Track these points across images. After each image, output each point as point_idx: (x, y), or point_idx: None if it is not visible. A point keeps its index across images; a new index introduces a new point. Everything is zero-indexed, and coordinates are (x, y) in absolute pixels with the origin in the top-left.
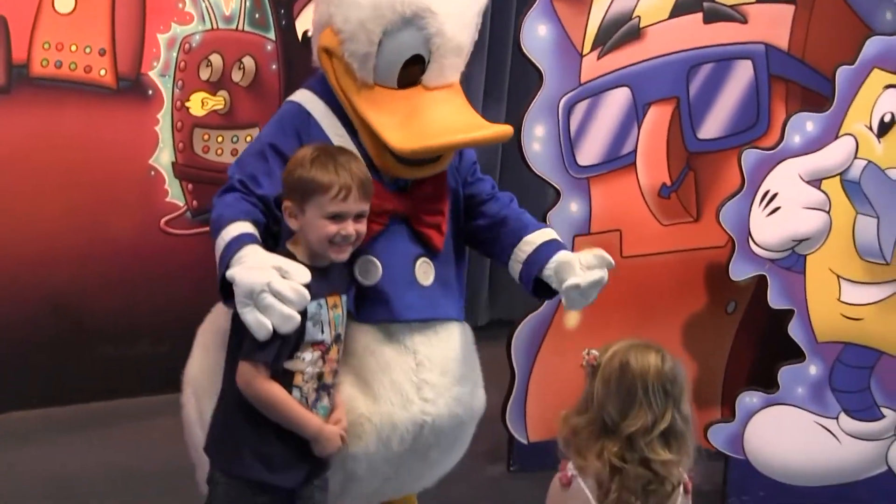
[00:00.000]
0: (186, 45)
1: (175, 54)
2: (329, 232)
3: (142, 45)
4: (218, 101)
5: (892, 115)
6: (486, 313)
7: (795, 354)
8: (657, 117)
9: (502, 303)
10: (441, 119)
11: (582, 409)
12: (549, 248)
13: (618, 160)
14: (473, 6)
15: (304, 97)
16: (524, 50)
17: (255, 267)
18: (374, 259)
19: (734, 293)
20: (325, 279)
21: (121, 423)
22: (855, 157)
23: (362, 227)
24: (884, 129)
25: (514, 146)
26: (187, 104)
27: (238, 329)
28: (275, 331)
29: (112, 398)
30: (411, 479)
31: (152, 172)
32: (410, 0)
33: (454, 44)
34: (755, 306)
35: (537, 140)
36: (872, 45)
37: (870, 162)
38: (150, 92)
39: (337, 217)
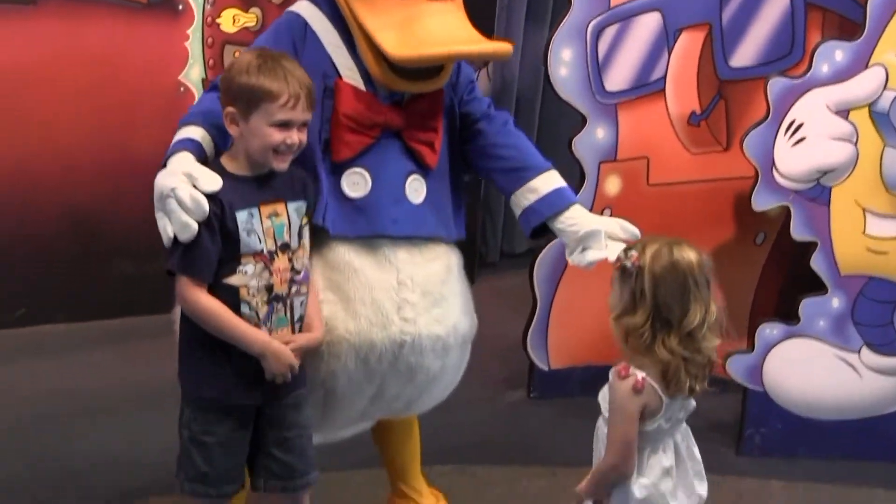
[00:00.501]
0: None
1: None
2: (275, 140)
3: None
4: (250, 18)
5: None
6: (521, 242)
7: (822, 287)
8: (688, 43)
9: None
10: (439, 29)
11: (630, 309)
12: (555, 198)
13: (647, 86)
14: None
15: (304, 7)
16: None
17: (170, 172)
18: (364, 172)
19: (763, 224)
20: (261, 188)
21: (140, 339)
22: (885, 88)
23: (304, 135)
24: None
25: (533, 73)
26: (218, 20)
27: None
28: (197, 243)
29: (132, 314)
30: (401, 402)
31: (182, 89)
32: None
33: None
34: (784, 238)
35: (564, 64)
36: None
37: None
38: (181, 7)
39: (283, 125)
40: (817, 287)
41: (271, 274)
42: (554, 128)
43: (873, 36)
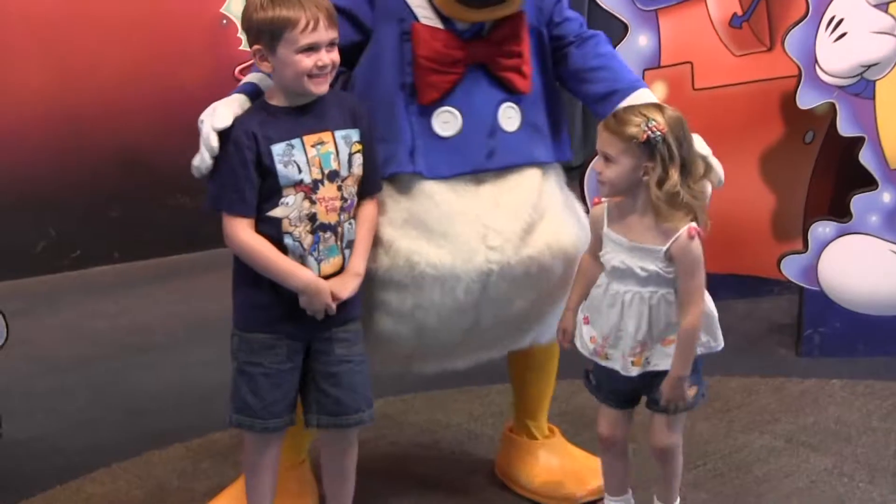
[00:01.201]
0: None
1: None
2: (306, 66)
3: None
4: None
5: None
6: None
7: (874, 183)
8: None
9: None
10: None
11: (664, 175)
12: None
13: None
14: None
15: None
16: None
17: (209, 109)
18: (454, 110)
19: (812, 123)
20: (304, 118)
21: (198, 274)
22: None
23: (335, 55)
24: None
25: None
26: None
27: None
28: (228, 179)
29: (190, 251)
30: (505, 331)
31: (224, 21)
32: None
33: None
34: (833, 135)
35: None
36: None
37: None
38: None
39: (310, 49)
40: (869, 183)
41: (313, 203)
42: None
43: None
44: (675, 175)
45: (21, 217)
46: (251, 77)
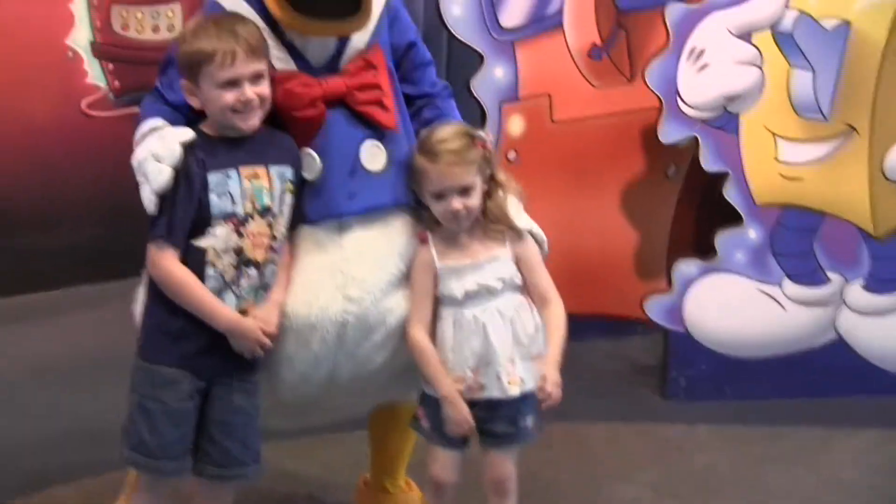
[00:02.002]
0: None
1: None
2: (227, 101)
3: None
4: None
5: None
6: None
7: (739, 219)
8: None
9: None
10: None
11: (492, 185)
12: None
13: (544, 21)
14: None
15: None
16: None
17: (143, 145)
18: (311, 151)
19: (674, 157)
20: (238, 150)
21: (41, 316)
22: (787, 8)
23: (263, 88)
24: None
25: (434, 10)
26: None
27: None
28: (164, 204)
29: (40, 290)
30: (364, 387)
31: (70, 53)
32: None
33: None
34: (696, 170)
35: (457, 3)
36: None
37: (802, 12)
38: None
39: (230, 84)
40: (734, 219)
41: (241, 237)
42: (463, 70)
43: None
44: (498, 178)
45: None
46: (154, 123)
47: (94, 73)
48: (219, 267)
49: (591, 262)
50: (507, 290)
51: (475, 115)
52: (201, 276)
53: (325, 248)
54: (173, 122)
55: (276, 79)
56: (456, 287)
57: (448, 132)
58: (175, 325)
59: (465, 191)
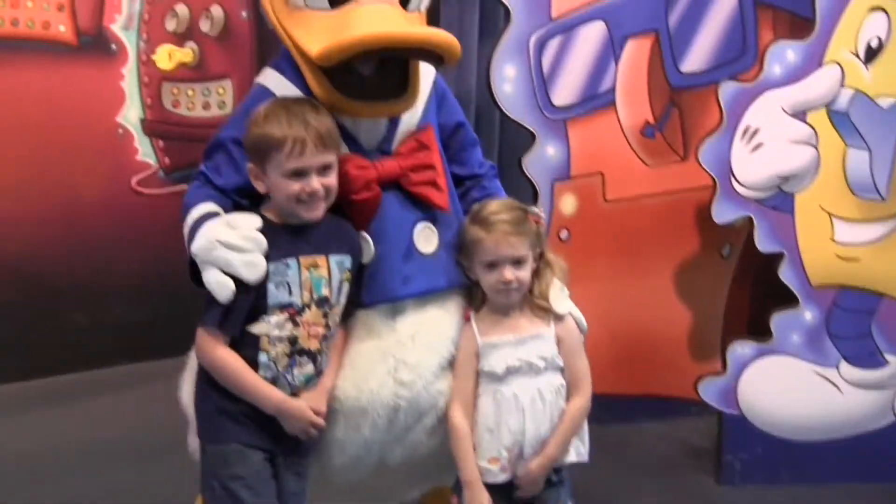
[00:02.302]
0: None
1: (138, 6)
2: (293, 191)
3: None
4: (186, 54)
5: (880, 39)
6: None
7: (794, 300)
8: (636, 52)
9: None
10: (367, 18)
11: (542, 263)
12: None
13: (596, 99)
14: None
15: (269, 77)
16: None
17: (206, 233)
18: (365, 235)
19: (729, 236)
20: (299, 239)
21: (97, 394)
22: (842, 87)
23: (331, 180)
24: (871, 54)
25: (486, 89)
26: (154, 58)
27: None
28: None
29: (87, 368)
30: (415, 472)
31: (120, 131)
32: None
33: None
34: (752, 249)
35: (508, 81)
36: None
37: (858, 91)
38: (114, 47)
39: (298, 174)
40: (789, 300)
41: (296, 326)
42: (515, 148)
43: (825, 34)
44: (548, 257)
45: None
46: (206, 208)
47: (145, 150)
48: (272, 354)
49: (645, 343)
50: (548, 369)
51: (527, 193)
52: (254, 361)
53: (378, 332)
54: (222, 207)
55: None
56: (497, 362)
57: (502, 205)
58: (234, 407)
59: (517, 262)
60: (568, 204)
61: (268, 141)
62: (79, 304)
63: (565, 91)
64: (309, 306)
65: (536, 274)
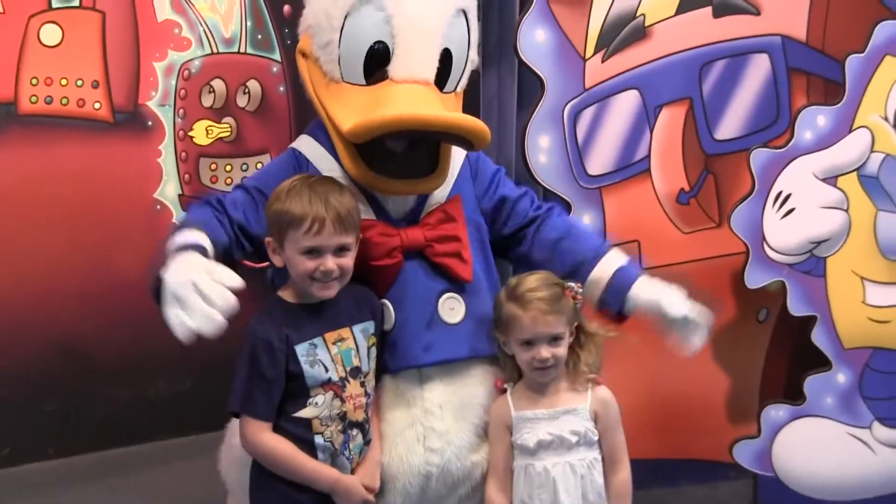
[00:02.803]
0: (185, 72)
1: (174, 82)
2: (307, 268)
3: (137, 75)
4: (224, 129)
5: None
6: None
7: (827, 363)
8: (670, 120)
9: None
10: (397, 101)
11: (579, 338)
12: (617, 283)
13: (631, 167)
14: None
15: (304, 143)
16: (522, 57)
17: (185, 267)
18: (387, 302)
19: (765, 300)
20: (323, 315)
21: (141, 468)
22: (871, 151)
23: (346, 261)
24: None
25: (521, 160)
26: (191, 133)
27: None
28: (259, 379)
29: (130, 443)
30: None
31: (158, 206)
32: None
33: (418, 27)
34: (787, 313)
35: (543, 151)
36: (883, 31)
37: (888, 155)
38: (150, 123)
39: (313, 252)
40: (824, 363)
41: (343, 402)
42: None
43: (854, 98)
44: (587, 329)
45: None
46: (195, 237)
47: None
48: (327, 434)
49: (683, 408)
50: (581, 444)
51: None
52: (311, 446)
53: (406, 399)
54: (223, 233)
55: None
56: (529, 437)
57: (539, 280)
58: (293, 490)
59: (554, 339)
60: None
61: (288, 217)
62: (122, 379)
63: (600, 159)
64: (347, 379)
65: (575, 347)
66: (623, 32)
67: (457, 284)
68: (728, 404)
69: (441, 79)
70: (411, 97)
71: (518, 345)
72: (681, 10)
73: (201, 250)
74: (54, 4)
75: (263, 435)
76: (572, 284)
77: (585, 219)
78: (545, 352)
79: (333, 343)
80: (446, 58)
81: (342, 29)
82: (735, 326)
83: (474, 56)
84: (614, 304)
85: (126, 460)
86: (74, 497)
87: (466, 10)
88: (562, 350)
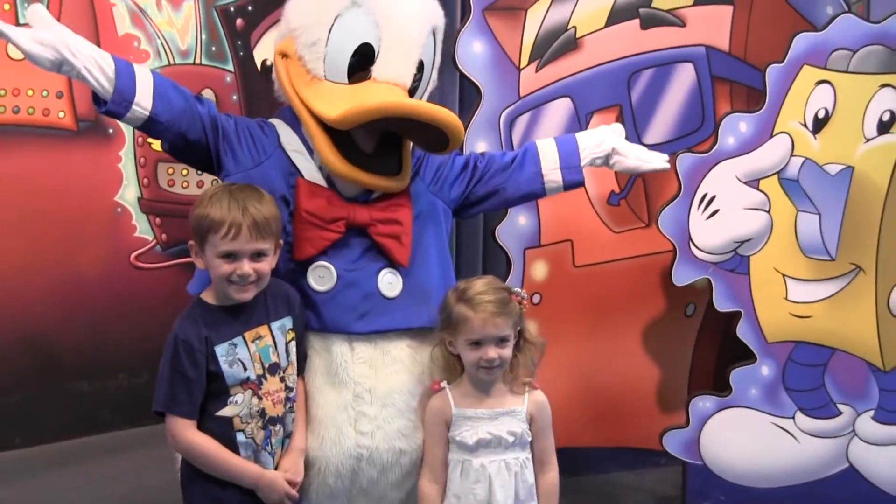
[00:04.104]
0: None
1: None
2: (225, 271)
3: None
4: None
5: (826, 110)
6: None
7: (752, 356)
8: (601, 125)
9: None
10: (382, 93)
11: (520, 340)
12: (565, 154)
13: None
14: (427, 9)
15: (277, 122)
16: (460, 67)
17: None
18: (330, 265)
19: (692, 296)
20: (238, 316)
21: (100, 457)
22: (791, 155)
23: (263, 265)
24: (818, 125)
25: None
26: (149, 140)
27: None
28: (181, 379)
29: (90, 433)
30: None
31: (119, 209)
32: None
33: (404, 34)
34: (713, 308)
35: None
36: (800, 43)
37: (807, 159)
38: (111, 131)
39: (230, 256)
40: (749, 356)
41: (261, 399)
42: (490, 218)
43: (774, 105)
44: (527, 335)
45: None
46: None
47: (142, 228)
48: (248, 432)
49: (614, 398)
50: (517, 444)
51: (501, 261)
52: (233, 443)
53: (338, 381)
54: (170, 89)
55: (302, 186)
56: (469, 434)
57: (487, 285)
58: (217, 487)
59: (501, 341)
60: (539, 270)
61: (207, 221)
62: (83, 373)
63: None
64: (264, 377)
65: (515, 352)
66: (555, 44)
67: (394, 262)
68: (658, 395)
69: (412, 89)
70: (392, 92)
71: (466, 345)
72: (610, 22)
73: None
74: (21, 21)
75: (188, 432)
76: (518, 290)
77: (521, 219)
78: (492, 352)
79: (252, 341)
80: (419, 69)
81: (331, 29)
82: (664, 321)
83: (435, 76)
84: (575, 173)
85: (88, 448)
86: (37, 485)
87: (436, 31)
88: (507, 351)
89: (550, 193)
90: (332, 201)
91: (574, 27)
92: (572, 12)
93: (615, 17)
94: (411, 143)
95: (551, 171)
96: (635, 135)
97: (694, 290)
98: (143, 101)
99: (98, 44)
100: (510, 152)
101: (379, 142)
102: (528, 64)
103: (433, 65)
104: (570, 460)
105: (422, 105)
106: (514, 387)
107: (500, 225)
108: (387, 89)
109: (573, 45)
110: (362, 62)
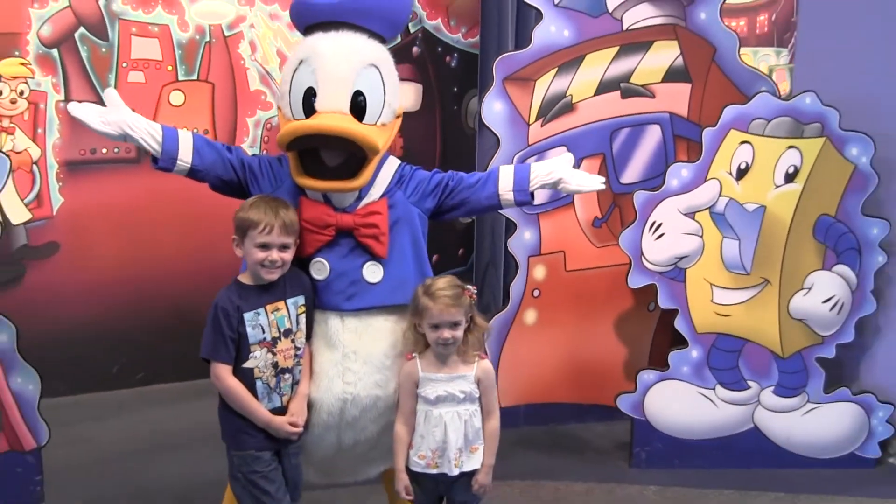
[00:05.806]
0: (269, 125)
1: (260, 132)
2: (259, 257)
3: (235, 126)
4: None
5: (747, 163)
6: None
7: (686, 342)
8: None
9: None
10: (310, 121)
11: (471, 324)
12: (519, 180)
13: (560, 200)
14: (357, 52)
15: (289, 154)
16: (484, 122)
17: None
18: (324, 261)
19: (652, 295)
20: (264, 293)
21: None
22: (720, 195)
23: (287, 255)
24: (741, 174)
25: None
26: None
27: (205, 335)
28: (220, 335)
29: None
30: (367, 451)
31: None
32: (306, 47)
33: (334, 75)
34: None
35: None
36: (729, 112)
37: (731, 199)
38: None
39: (264, 246)
40: (684, 342)
41: (275, 354)
42: (504, 233)
43: (708, 158)
44: (476, 320)
45: (101, 348)
46: (182, 131)
47: None
48: (264, 379)
49: (593, 368)
50: (466, 400)
51: (512, 265)
52: (253, 387)
53: (331, 344)
54: (216, 153)
55: (303, 203)
56: (430, 391)
57: (447, 282)
58: (247, 424)
59: (454, 325)
60: (539, 272)
61: (248, 221)
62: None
63: (538, 194)
64: (279, 338)
65: (468, 331)
66: (556, 106)
67: (378, 257)
68: (624, 368)
69: (360, 112)
70: (324, 118)
71: (429, 327)
72: (598, 92)
73: (171, 134)
74: (180, 77)
75: (227, 377)
76: (470, 287)
77: (527, 234)
78: (447, 333)
79: (272, 312)
80: (361, 96)
81: (291, 83)
82: (631, 313)
83: (391, 100)
84: (524, 195)
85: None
86: (184, 409)
87: (378, 65)
88: (459, 333)
89: (506, 207)
90: (326, 212)
91: (571, 94)
92: (570, 83)
93: (602, 88)
94: (377, 158)
95: (506, 192)
96: (615, 175)
97: (654, 291)
98: (185, 157)
99: (235, 98)
100: (478, 173)
101: (347, 158)
102: (536, 120)
103: (383, 92)
104: (557, 412)
105: (323, 123)
106: (466, 358)
107: (511, 238)
108: (324, 116)
109: (570, 108)
110: (311, 99)
